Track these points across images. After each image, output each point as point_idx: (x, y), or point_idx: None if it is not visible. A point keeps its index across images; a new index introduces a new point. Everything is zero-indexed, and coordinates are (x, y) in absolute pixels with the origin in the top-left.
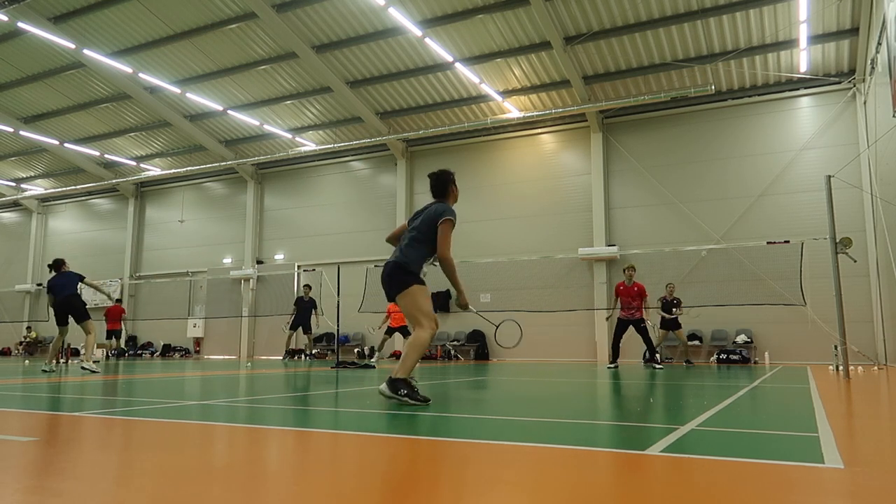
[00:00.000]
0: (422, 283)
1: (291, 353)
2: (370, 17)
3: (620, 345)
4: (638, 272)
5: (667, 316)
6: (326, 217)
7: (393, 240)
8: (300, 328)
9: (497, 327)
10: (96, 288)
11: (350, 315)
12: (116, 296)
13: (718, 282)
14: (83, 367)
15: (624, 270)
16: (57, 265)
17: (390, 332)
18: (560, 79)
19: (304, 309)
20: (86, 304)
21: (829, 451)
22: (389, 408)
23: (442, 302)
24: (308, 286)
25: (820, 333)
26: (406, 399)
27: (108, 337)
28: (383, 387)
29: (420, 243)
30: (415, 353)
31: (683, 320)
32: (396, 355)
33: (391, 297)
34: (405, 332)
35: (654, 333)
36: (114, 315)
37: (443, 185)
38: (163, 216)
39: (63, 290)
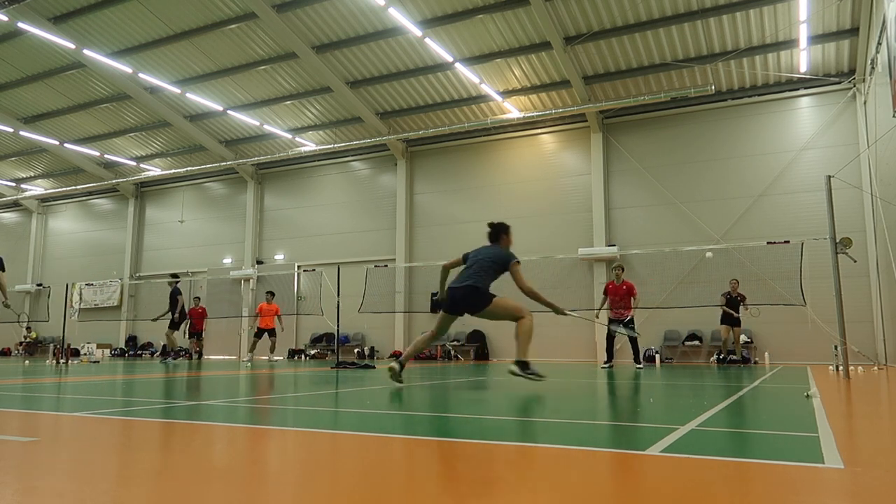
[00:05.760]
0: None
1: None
2: (370, 17)
3: (615, 345)
4: (638, 273)
5: (734, 314)
6: (326, 217)
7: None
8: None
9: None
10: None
11: (350, 315)
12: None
13: (719, 282)
14: None
15: (612, 269)
16: None
17: (259, 333)
18: (560, 79)
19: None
20: None
21: (829, 451)
22: (390, 408)
23: (434, 304)
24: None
25: (820, 333)
26: (531, 376)
27: (191, 337)
28: (513, 367)
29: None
30: (527, 338)
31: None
32: (396, 355)
33: (473, 314)
34: (272, 333)
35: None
36: (196, 316)
37: (497, 233)
38: (163, 216)
39: None
